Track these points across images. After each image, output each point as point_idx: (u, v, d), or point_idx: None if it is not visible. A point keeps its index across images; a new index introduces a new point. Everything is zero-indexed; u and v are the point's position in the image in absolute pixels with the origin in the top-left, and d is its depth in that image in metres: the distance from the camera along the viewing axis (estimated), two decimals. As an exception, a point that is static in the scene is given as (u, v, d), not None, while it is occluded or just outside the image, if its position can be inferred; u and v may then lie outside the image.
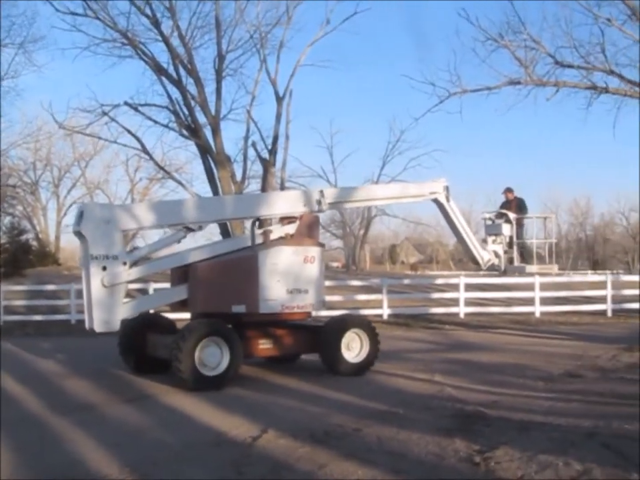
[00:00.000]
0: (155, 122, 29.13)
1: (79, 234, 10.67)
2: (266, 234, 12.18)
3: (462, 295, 23.14)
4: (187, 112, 28.08)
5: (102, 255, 10.40)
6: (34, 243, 45.80)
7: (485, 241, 15.65)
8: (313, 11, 71.18)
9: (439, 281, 27.70)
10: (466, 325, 21.08)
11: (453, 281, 24.55)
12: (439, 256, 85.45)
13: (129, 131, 29.74)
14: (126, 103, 27.97)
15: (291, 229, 12.24)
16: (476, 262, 15.32)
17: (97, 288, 10.36)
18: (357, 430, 7.60)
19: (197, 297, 11.21)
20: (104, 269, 10.38)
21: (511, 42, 20.72)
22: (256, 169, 31.73)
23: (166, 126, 29.36)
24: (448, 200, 14.09)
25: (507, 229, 15.70)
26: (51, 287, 24.09)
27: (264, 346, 11.53)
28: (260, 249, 11.48)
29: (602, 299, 23.55)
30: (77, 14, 26.91)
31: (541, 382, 10.63)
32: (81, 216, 10.57)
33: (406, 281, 27.92)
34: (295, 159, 52.44)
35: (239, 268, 11.28)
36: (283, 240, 11.93)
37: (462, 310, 23.03)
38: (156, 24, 27.00)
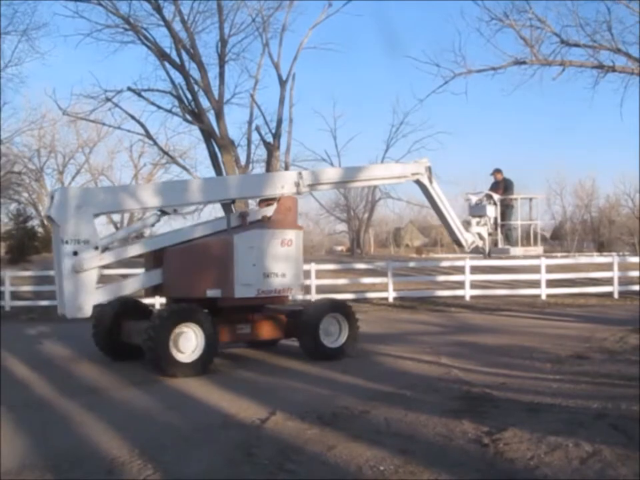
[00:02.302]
0: (159, 107, 29.00)
1: (49, 218, 10.51)
2: (243, 216, 11.88)
3: (467, 277, 23.10)
4: (190, 97, 27.95)
5: (73, 240, 10.19)
6: (39, 230, 45.81)
7: (469, 223, 15.55)
8: (315, -7, 70.69)
9: (444, 264, 27.66)
10: (472, 307, 21.05)
11: (459, 263, 24.48)
12: (444, 239, 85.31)
13: (133, 117, 29.66)
14: (129, 89, 27.84)
15: (268, 211, 12.00)
16: (459, 244, 15.31)
17: (68, 273, 10.16)
18: (364, 412, 7.60)
19: (171, 282, 11.08)
20: (75, 253, 10.16)
21: (515, 21, 20.61)
22: (260, 153, 31.59)
23: (169, 111, 29.24)
24: (431, 181, 13.98)
25: (491, 211, 15.59)
26: (56, 272, 23.98)
27: (242, 331, 11.40)
28: (235, 232, 11.24)
29: (608, 281, 23.47)
30: (79, 0, 26.79)
31: (548, 364, 10.60)
32: (52, 199, 10.38)
33: (411, 264, 27.86)
34: (298, 142, 52.19)
35: (213, 251, 11.12)
36: (260, 223, 11.70)
37: (467, 292, 23.01)
38: (158, 9, 26.83)
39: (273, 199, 12.08)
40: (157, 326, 10.01)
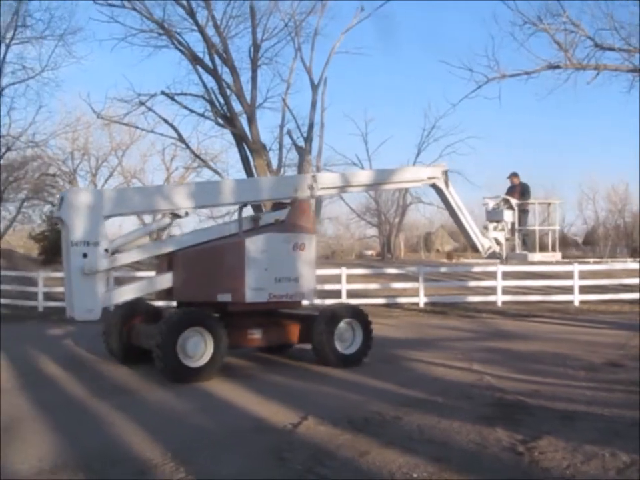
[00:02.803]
0: (191, 111, 29.27)
1: (59, 219, 10.40)
2: (255, 220, 11.82)
3: (499, 283, 22.91)
4: (222, 101, 28.14)
5: (82, 242, 10.08)
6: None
7: (486, 228, 15.33)
8: (347, -2, 70.72)
9: (476, 269, 27.49)
10: (503, 313, 20.87)
11: (490, 269, 24.29)
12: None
13: (166, 120, 29.90)
14: (162, 93, 28.11)
15: (282, 215, 11.85)
16: (476, 249, 15.08)
17: (77, 276, 10.05)
18: (396, 418, 7.56)
19: (182, 286, 11.00)
20: (84, 255, 10.06)
21: (549, 25, 20.50)
22: (291, 157, 31.71)
23: (202, 115, 29.47)
24: (447, 185, 13.78)
25: (508, 215, 15.38)
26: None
27: (253, 336, 11.13)
28: (247, 235, 11.05)
29: (643, 288, 23.14)
30: (114, 5, 27.11)
31: (582, 371, 10.48)
32: (61, 201, 10.31)
33: (442, 269, 27.75)
34: (329, 147, 52.12)
35: (224, 255, 10.99)
36: (273, 226, 11.57)
37: (499, 298, 22.80)
38: (191, 14, 27.05)
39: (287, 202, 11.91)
40: (164, 331, 9.86)
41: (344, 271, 23.17)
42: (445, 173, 13.76)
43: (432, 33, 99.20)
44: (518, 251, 15.68)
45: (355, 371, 10.78)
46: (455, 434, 6.86)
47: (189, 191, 11.71)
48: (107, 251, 10.29)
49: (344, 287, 22.95)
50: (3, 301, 23.14)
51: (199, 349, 10.08)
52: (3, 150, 31.00)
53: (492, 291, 23.38)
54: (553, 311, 21.14)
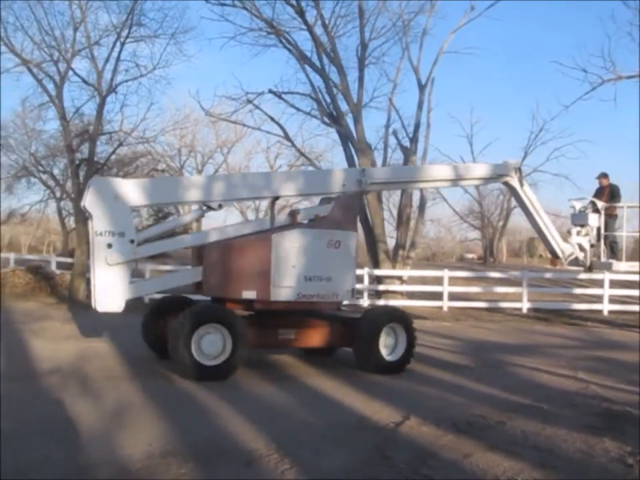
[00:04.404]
0: (298, 109, 29.46)
1: (85, 209, 10.18)
2: (293, 215, 11.28)
3: (606, 291, 22.34)
4: (329, 100, 28.25)
5: (107, 232, 9.87)
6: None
7: (569, 232, 14.33)
8: (457, -2, 70.09)
9: (582, 276, 26.83)
10: (610, 322, 20.32)
11: (597, 276, 23.67)
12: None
13: (272, 118, 30.20)
14: (270, 91, 28.41)
15: (324, 210, 11.26)
16: (555, 255, 14.00)
17: (101, 266, 9.85)
18: (500, 422, 7.50)
19: (210, 281, 10.60)
20: (109, 246, 9.85)
21: (671, 25, 19.75)
22: (396, 157, 31.53)
23: (308, 113, 29.66)
24: (521, 184, 13.02)
25: (593, 220, 14.28)
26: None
27: (285, 336, 10.61)
28: (275, 231, 10.60)
29: None
30: (225, 4, 27.56)
31: (694, 385, 10.14)
32: (87, 191, 10.15)
33: (547, 275, 27.19)
34: (434, 148, 51.72)
35: (250, 251, 10.42)
36: (309, 223, 11.10)
37: (606, 307, 22.23)
38: (300, 13, 27.28)
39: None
40: (179, 327, 9.60)
41: (446, 273, 23.06)
42: (519, 170, 13.01)
43: (543, 32, 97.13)
44: (603, 258, 14.57)
45: (457, 373, 10.73)
46: (560, 441, 6.76)
47: (224, 183, 11.43)
48: (132, 241, 10.07)
49: (445, 289, 22.84)
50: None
51: (217, 346, 9.71)
52: (116, 145, 31.93)
53: (598, 299, 22.84)
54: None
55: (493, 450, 6.34)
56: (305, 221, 11.35)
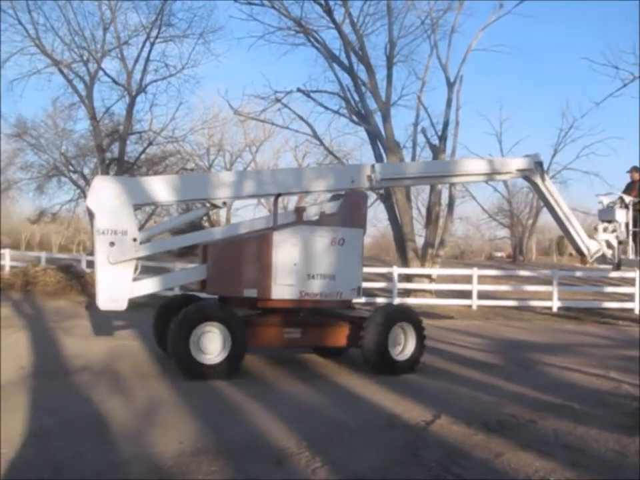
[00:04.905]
0: (326, 108, 29.56)
1: (88, 208, 10.21)
2: (299, 212, 11.04)
3: (637, 289, 22.12)
4: (357, 98, 28.30)
5: (110, 230, 9.83)
6: (205, 225, 47.59)
7: (595, 229, 13.94)
8: (486, -5, 69.69)
9: (613, 275, 26.57)
10: (642, 321, 20.09)
11: (628, 275, 23.41)
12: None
13: (301, 117, 30.34)
14: (299, 90, 28.52)
15: (331, 207, 11.02)
16: (581, 253, 13.68)
17: (103, 264, 9.83)
18: (531, 421, 7.47)
19: (214, 279, 10.56)
20: (111, 244, 9.81)
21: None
22: (425, 155, 31.50)
23: (336, 112, 29.71)
24: (543, 179, 12.65)
25: (621, 215, 13.77)
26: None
27: (291, 335, 10.44)
28: (277, 228, 10.41)
29: None
30: (253, 3, 27.73)
31: None
32: (90, 190, 10.16)
33: (578, 274, 26.98)
34: (463, 146, 51.61)
35: (251, 248, 10.28)
36: (315, 220, 10.80)
37: (637, 305, 22.03)
38: (328, 11, 27.34)
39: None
40: (176, 326, 9.60)
41: (475, 272, 22.95)
42: (540, 164, 12.63)
43: (573, 29, 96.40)
44: (632, 256, 13.97)
45: (486, 372, 10.70)
46: (592, 441, 6.71)
47: (228, 180, 11.25)
48: (135, 240, 10.02)
49: (474, 287, 22.75)
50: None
51: (215, 345, 9.64)
52: (145, 145, 32.24)
53: (629, 297, 22.63)
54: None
55: (524, 449, 6.31)
56: (316, 218, 11.11)
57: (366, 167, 11.60)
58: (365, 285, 23.56)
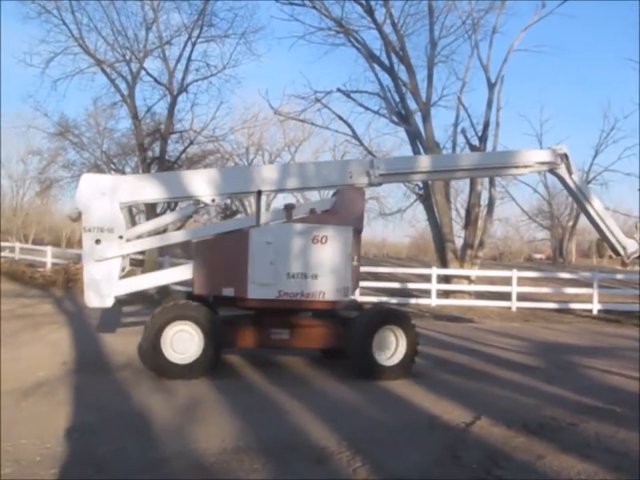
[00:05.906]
0: (366, 108, 29.50)
1: (76, 206, 10.26)
2: (288, 209, 10.67)
3: (681, 292, 21.82)
4: (397, 98, 28.23)
5: (96, 228, 9.91)
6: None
7: (636, 227, 13.25)
8: (528, -5, 69.02)
9: (655, 277, 26.29)
10: (685, 325, 19.81)
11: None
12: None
13: (341, 117, 30.31)
14: (339, 90, 28.52)
15: (324, 205, 10.79)
16: (616, 253, 12.97)
17: (89, 262, 9.90)
18: (572, 424, 7.45)
19: (197, 278, 10.23)
20: (97, 242, 9.88)
21: None
22: (465, 156, 31.30)
23: (376, 112, 29.64)
24: (570, 172, 12.00)
25: None
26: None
27: (278, 336, 10.16)
28: (255, 225, 10.19)
29: None
30: (294, 3, 27.80)
31: None
32: (77, 187, 10.16)
33: (618, 276, 26.67)
34: (503, 146, 51.11)
35: (229, 246, 10.04)
36: (306, 217, 10.41)
37: (680, 309, 21.71)
38: (369, 12, 27.32)
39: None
40: (148, 325, 9.55)
41: (515, 274, 22.80)
42: (565, 156, 11.91)
43: (616, 29, 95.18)
44: None
45: (527, 374, 10.62)
46: (634, 445, 6.67)
47: (218, 177, 10.99)
48: (121, 237, 10.06)
49: (514, 289, 22.60)
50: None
51: (188, 344, 9.52)
52: (186, 144, 32.47)
53: (672, 301, 22.30)
54: None
55: (566, 452, 6.30)
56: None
57: (364, 162, 11.40)
58: (410, 285, 23.37)
